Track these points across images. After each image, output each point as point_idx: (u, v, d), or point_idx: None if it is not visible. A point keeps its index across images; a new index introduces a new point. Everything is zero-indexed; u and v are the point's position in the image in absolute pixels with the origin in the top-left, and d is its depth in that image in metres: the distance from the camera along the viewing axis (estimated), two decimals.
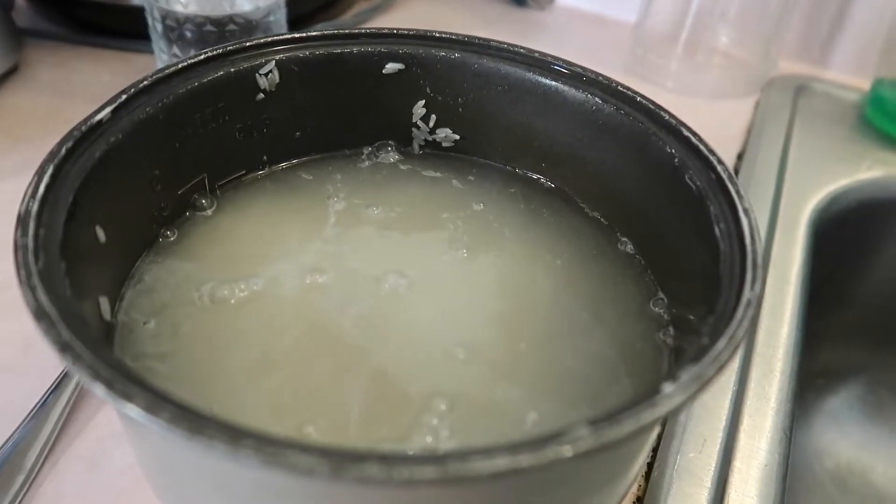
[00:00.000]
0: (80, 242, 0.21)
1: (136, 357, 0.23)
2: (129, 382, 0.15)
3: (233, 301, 0.25)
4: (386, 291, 0.26)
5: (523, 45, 0.30)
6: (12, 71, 0.51)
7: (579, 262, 0.28)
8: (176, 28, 0.44)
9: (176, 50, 0.45)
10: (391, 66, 0.30)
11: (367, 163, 0.32)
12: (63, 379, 0.29)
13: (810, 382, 0.57)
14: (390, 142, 0.33)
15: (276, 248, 0.28)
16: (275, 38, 0.29)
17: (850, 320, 0.57)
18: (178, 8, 0.44)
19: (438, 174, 0.32)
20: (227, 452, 0.14)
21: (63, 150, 0.21)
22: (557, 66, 0.29)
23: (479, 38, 0.30)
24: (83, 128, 0.22)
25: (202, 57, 0.27)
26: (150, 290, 0.25)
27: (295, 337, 0.24)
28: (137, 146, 0.24)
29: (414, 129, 0.32)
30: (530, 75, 0.30)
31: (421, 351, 0.24)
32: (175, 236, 0.27)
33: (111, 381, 0.15)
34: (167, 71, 0.25)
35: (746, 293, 0.19)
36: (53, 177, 0.20)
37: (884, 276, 0.54)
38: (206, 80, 0.26)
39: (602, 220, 0.30)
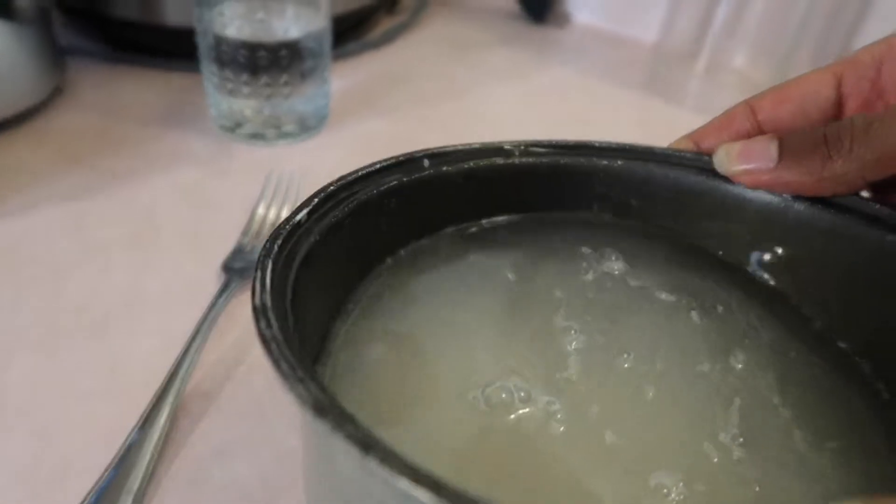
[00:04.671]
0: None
1: None
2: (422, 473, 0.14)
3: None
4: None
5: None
6: (57, 92, 0.52)
7: None
8: (228, 52, 0.45)
9: (228, 73, 0.46)
10: None
11: (590, 274, 0.27)
12: (158, 400, 0.31)
13: None
14: (616, 253, 0.28)
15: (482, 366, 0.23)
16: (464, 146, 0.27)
17: None
18: (232, 33, 0.45)
19: (673, 297, 0.26)
20: None
21: (275, 248, 0.21)
22: None
23: (641, 146, 0.28)
24: (287, 226, 0.22)
25: (377, 166, 0.26)
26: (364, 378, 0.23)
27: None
28: (331, 246, 0.24)
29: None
30: (701, 179, 0.28)
31: None
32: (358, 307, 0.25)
33: (417, 476, 0.14)
34: (349, 178, 0.25)
35: None
36: (273, 272, 0.20)
37: None
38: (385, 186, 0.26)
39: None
